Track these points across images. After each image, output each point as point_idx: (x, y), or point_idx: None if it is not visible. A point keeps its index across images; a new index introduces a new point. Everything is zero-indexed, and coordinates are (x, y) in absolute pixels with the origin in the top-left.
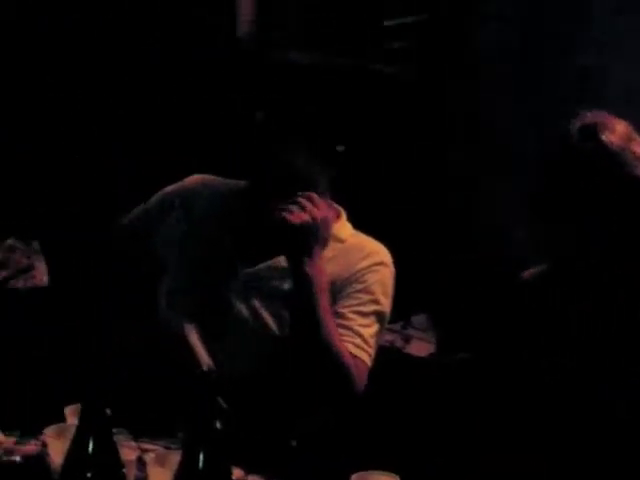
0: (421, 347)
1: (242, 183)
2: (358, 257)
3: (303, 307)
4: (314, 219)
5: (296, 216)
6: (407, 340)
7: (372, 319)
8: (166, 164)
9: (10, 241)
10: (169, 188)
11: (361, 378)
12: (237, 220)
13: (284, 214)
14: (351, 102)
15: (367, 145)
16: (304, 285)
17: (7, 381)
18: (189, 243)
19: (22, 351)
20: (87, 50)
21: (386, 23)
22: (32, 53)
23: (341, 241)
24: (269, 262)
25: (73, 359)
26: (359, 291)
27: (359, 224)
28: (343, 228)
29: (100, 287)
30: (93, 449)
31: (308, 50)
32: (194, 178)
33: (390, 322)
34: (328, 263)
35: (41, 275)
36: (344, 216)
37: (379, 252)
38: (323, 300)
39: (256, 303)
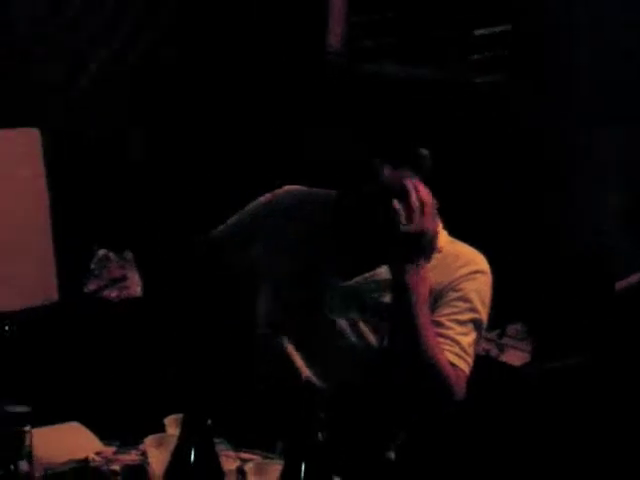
0: (516, 356)
1: (333, 193)
2: (456, 265)
3: (404, 317)
4: (426, 227)
5: (412, 222)
6: (502, 349)
7: (470, 327)
8: (254, 176)
9: (103, 251)
10: (261, 200)
11: (460, 387)
12: (332, 232)
13: (401, 221)
14: (441, 113)
15: (457, 155)
16: (406, 295)
17: (105, 391)
18: (285, 257)
19: (117, 361)
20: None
21: (476, 33)
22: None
23: (438, 250)
24: (367, 274)
25: (169, 369)
26: (456, 299)
27: (453, 232)
28: (440, 236)
29: (194, 297)
30: (195, 459)
31: (398, 62)
32: (285, 189)
33: (486, 330)
34: (427, 273)
35: (134, 285)
36: (440, 224)
37: (476, 260)
38: (424, 311)
39: (354, 316)
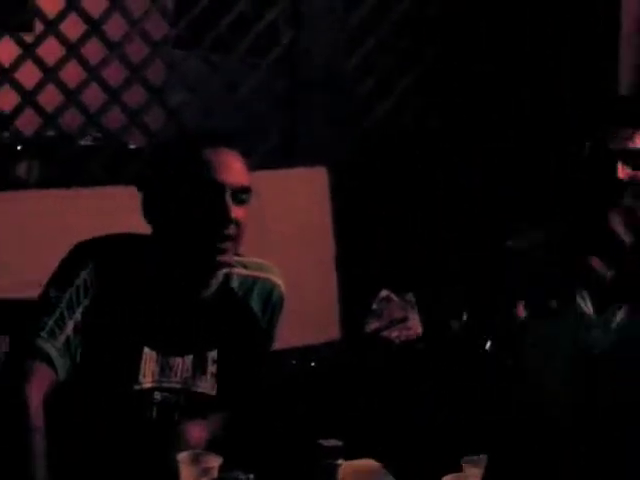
0: None
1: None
2: None
3: None
4: None
5: None
6: None
7: None
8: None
9: (385, 292)
10: None
11: None
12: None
13: None
14: None
15: None
16: None
17: (398, 429)
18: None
19: (405, 401)
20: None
21: None
22: None
23: None
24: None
25: (461, 410)
26: None
27: None
28: None
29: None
30: None
31: None
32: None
33: None
34: None
35: (416, 327)
36: None
37: None
38: None
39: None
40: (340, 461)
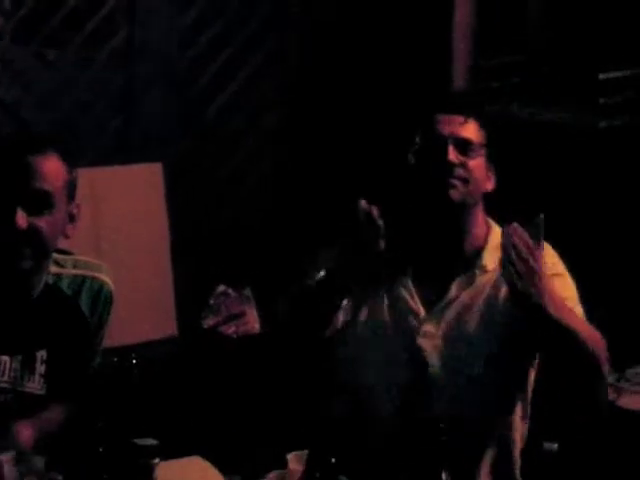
0: (633, 400)
1: None
2: None
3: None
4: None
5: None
6: (619, 393)
7: None
8: None
9: (222, 287)
10: None
11: None
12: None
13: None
14: (565, 157)
15: (581, 201)
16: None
17: (227, 426)
18: None
19: (236, 396)
20: None
21: (601, 77)
22: None
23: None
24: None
25: (288, 407)
26: None
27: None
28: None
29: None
30: None
31: (523, 104)
32: None
33: None
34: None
35: (253, 322)
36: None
37: None
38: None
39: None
40: (156, 460)
